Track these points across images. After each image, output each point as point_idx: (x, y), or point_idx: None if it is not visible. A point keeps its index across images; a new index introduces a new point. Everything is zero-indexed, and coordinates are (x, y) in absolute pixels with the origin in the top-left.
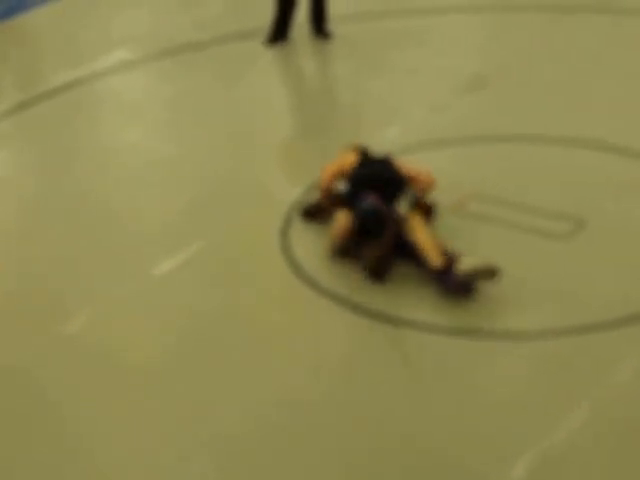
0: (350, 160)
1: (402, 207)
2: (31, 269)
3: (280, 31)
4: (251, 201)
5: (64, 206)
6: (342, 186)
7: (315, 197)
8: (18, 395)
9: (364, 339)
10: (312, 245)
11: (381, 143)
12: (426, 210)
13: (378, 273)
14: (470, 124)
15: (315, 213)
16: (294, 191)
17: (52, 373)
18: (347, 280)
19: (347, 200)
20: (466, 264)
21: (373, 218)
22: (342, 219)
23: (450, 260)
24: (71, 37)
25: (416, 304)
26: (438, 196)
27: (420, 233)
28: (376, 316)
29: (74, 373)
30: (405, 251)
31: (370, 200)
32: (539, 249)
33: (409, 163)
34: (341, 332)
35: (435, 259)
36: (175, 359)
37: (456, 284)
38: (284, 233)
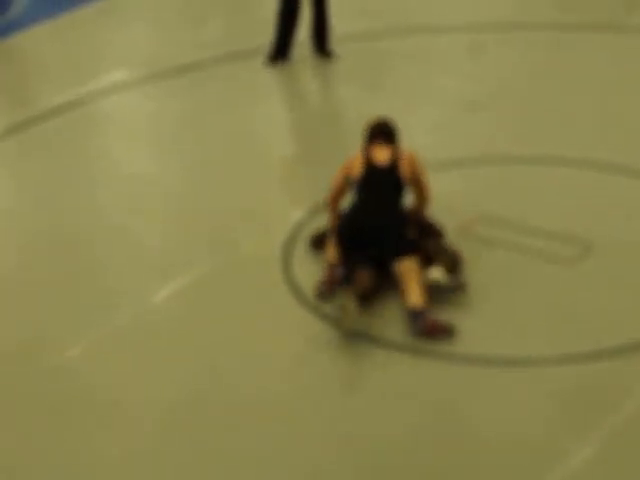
0: (357, 167)
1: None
2: (28, 295)
3: (281, 50)
4: (252, 225)
5: (61, 231)
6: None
7: (321, 224)
8: (11, 424)
9: (374, 368)
10: (314, 271)
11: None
12: (436, 233)
13: (365, 298)
14: (474, 145)
15: (323, 242)
16: (296, 214)
17: (50, 398)
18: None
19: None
20: (432, 274)
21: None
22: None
23: (427, 306)
24: (70, 57)
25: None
26: (443, 218)
27: (409, 274)
28: (384, 344)
29: (70, 400)
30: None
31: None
32: (545, 273)
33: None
34: (348, 361)
35: (415, 299)
36: (172, 389)
37: (426, 327)
38: (286, 258)
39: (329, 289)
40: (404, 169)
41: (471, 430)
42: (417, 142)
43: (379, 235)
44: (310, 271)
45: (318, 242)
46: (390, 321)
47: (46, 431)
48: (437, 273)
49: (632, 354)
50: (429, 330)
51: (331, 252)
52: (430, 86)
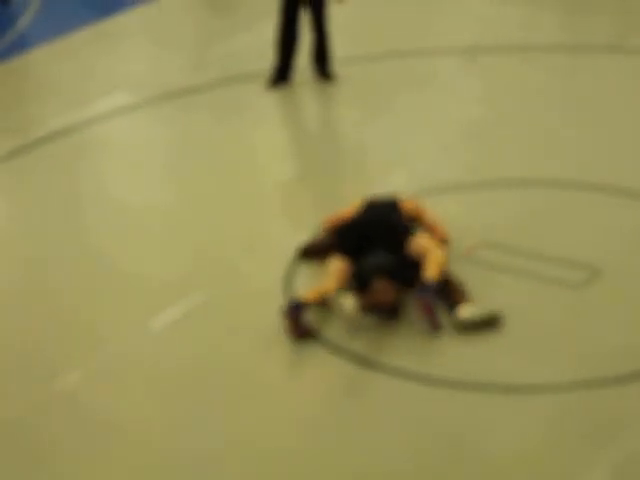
0: (353, 208)
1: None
2: (22, 322)
3: (282, 74)
4: (253, 249)
5: (62, 257)
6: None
7: (315, 237)
8: (11, 449)
9: (374, 395)
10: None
11: (387, 188)
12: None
13: (392, 312)
14: (476, 169)
15: (314, 252)
16: (297, 238)
17: (49, 427)
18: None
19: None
20: (466, 312)
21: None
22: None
23: (444, 281)
24: (69, 81)
25: (423, 357)
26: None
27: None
28: (384, 369)
29: (69, 428)
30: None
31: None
32: (552, 299)
33: (425, 209)
34: (348, 388)
35: (433, 273)
36: (169, 413)
37: (424, 305)
38: (287, 283)
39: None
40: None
41: (472, 456)
42: (418, 166)
43: (384, 230)
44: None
45: (309, 253)
46: (388, 346)
47: (43, 459)
48: (467, 312)
49: (636, 381)
50: (424, 309)
51: (330, 282)
52: (431, 110)
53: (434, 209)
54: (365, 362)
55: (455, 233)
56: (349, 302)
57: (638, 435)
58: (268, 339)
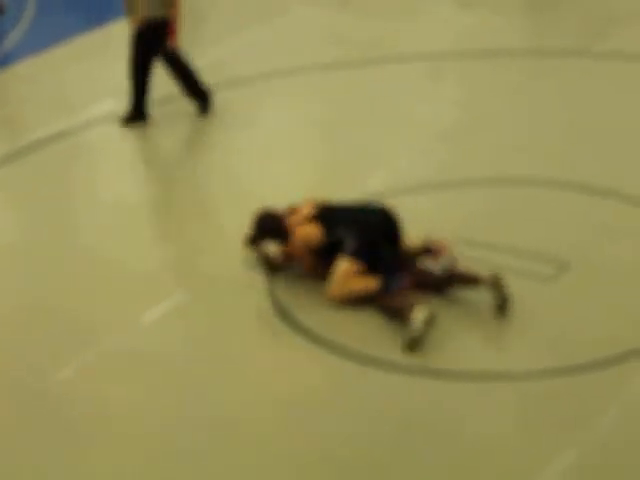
0: (315, 234)
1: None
2: (18, 319)
3: (140, 109)
4: (238, 246)
5: (51, 258)
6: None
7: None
8: (6, 443)
9: (351, 384)
10: (299, 292)
11: (365, 189)
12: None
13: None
14: (450, 169)
15: (277, 266)
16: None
17: (46, 416)
18: (332, 322)
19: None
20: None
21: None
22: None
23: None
24: (58, 89)
25: (396, 347)
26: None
27: None
28: (361, 359)
29: (61, 420)
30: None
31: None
32: (521, 291)
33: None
34: (330, 379)
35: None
36: (160, 406)
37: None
38: (270, 277)
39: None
40: None
41: (444, 443)
42: (395, 166)
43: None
44: (294, 292)
45: (273, 266)
46: (362, 336)
47: (37, 452)
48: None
49: (608, 367)
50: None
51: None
52: (407, 113)
53: (409, 207)
54: (341, 351)
55: (429, 230)
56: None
57: (605, 421)
58: (254, 331)
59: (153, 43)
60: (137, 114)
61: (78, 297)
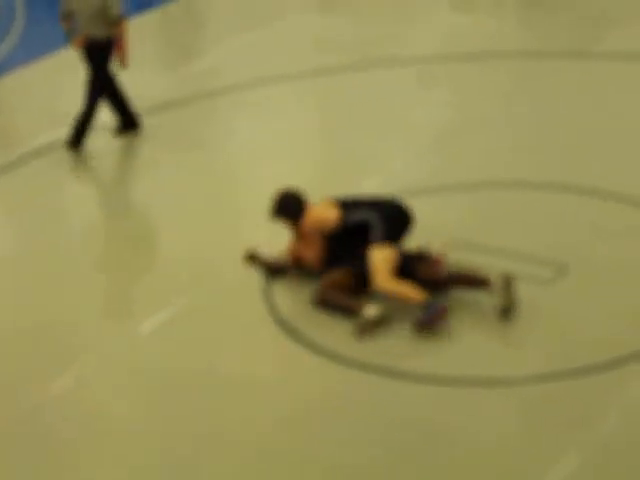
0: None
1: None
2: (14, 332)
3: (131, 123)
4: (235, 255)
5: (49, 267)
6: None
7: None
8: (8, 451)
9: (351, 390)
10: (295, 299)
11: (361, 191)
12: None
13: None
14: (448, 172)
15: (278, 270)
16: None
17: (43, 429)
18: (330, 329)
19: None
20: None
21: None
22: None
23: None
24: (49, 99)
25: (398, 353)
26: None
27: None
28: (360, 366)
29: (63, 429)
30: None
31: None
32: (522, 295)
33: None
34: (329, 385)
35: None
36: (160, 414)
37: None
38: (267, 287)
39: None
40: None
41: (449, 448)
42: (390, 170)
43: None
44: (292, 299)
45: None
46: (364, 345)
47: (32, 465)
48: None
49: (608, 370)
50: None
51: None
52: (401, 117)
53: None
54: (344, 361)
55: (425, 234)
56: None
57: (606, 423)
58: (252, 340)
59: (98, 64)
60: (129, 123)
61: (75, 306)
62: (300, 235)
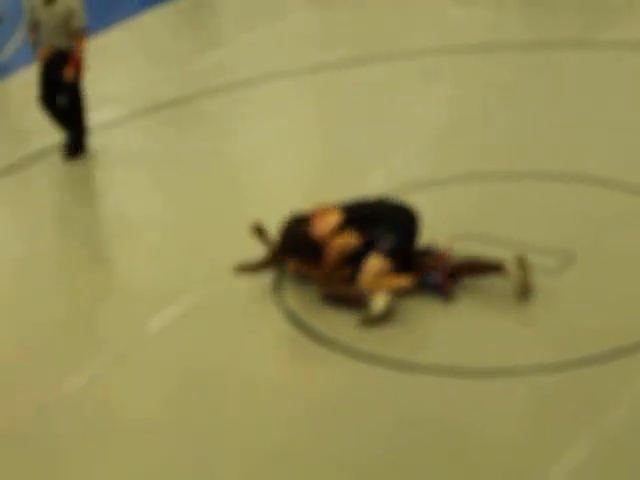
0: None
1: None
2: (26, 331)
3: (77, 140)
4: (245, 252)
5: (57, 266)
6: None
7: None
8: (23, 449)
9: (362, 384)
10: (305, 293)
11: (363, 189)
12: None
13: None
14: (453, 165)
15: (256, 267)
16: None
17: (55, 428)
18: (340, 325)
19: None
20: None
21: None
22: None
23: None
24: None
25: (407, 345)
26: (426, 237)
27: None
28: (370, 359)
29: (76, 427)
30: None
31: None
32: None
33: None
34: (340, 379)
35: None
36: (173, 413)
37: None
38: (277, 283)
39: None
40: None
41: (458, 440)
42: (392, 165)
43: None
44: (302, 296)
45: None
46: (371, 336)
47: (45, 463)
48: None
49: (616, 359)
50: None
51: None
52: (403, 111)
53: (415, 204)
54: (356, 355)
55: (431, 227)
56: (380, 301)
57: (616, 412)
58: (263, 338)
59: (60, 74)
60: (77, 146)
61: (85, 304)
62: (322, 263)
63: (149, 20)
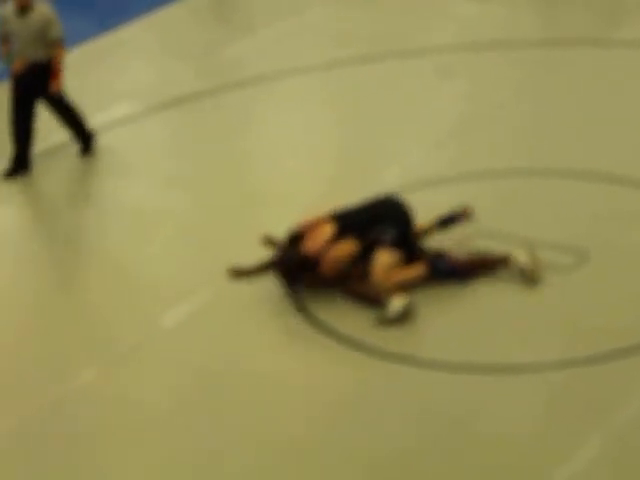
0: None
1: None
2: (39, 324)
3: (22, 162)
4: (258, 249)
5: (72, 261)
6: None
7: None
8: (37, 440)
9: (374, 381)
10: (318, 293)
11: (380, 186)
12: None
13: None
14: (468, 162)
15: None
16: None
17: (68, 419)
18: (355, 321)
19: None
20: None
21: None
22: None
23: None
24: (74, 92)
25: (418, 341)
26: (441, 233)
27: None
28: (383, 355)
29: (88, 418)
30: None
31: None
32: (544, 281)
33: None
34: (351, 376)
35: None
36: (187, 408)
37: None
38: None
39: None
40: None
41: (469, 436)
42: (408, 162)
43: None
44: (315, 293)
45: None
46: (383, 332)
47: (56, 456)
48: (394, 306)
49: (630, 357)
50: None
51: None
52: (418, 108)
53: (425, 202)
54: (371, 351)
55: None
56: (398, 302)
57: (627, 409)
58: (276, 334)
59: (36, 87)
60: (20, 165)
61: (99, 299)
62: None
63: (165, 16)
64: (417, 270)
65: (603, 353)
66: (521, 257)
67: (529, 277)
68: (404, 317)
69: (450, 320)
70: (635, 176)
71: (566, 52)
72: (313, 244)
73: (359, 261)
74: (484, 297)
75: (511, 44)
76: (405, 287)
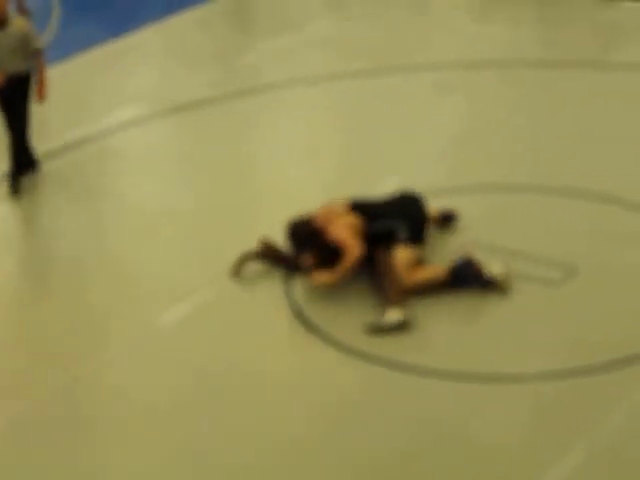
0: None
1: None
2: (43, 320)
3: (26, 166)
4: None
5: (74, 259)
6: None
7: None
8: (35, 440)
9: (368, 385)
10: (317, 292)
11: (380, 192)
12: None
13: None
14: (463, 176)
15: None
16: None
17: (68, 418)
18: (350, 326)
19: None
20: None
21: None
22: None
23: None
24: (81, 95)
25: (411, 348)
26: (436, 246)
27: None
28: (377, 361)
29: (88, 418)
30: None
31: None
32: (532, 295)
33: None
34: (346, 379)
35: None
36: (186, 407)
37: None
38: (287, 280)
39: None
40: None
41: (457, 443)
42: (407, 173)
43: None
44: (313, 293)
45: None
46: (377, 339)
47: (57, 449)
48: (391, 316)
49: (615, 370)
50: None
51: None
52: (419, 121)
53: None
54: (364, 357)
55: (439, 236)
56: (394, 315)
57: (612, 422)
58: (275, 336)
59: (17, 99)
60: (21, 170)
61: (100, 297)
62: (332, 240)
63: (176, 24)
64: (437, 271)
65: (589, 365)
66: (494, 267)
67: (499, 287)
68: (396, 330)
69: (443, 330)
70: (629, 197)
71: (564, 73)
72: (323, 218)
73: (366, 245)
74: (476, 308)
75: (510, 63)
76: (423, 290)
